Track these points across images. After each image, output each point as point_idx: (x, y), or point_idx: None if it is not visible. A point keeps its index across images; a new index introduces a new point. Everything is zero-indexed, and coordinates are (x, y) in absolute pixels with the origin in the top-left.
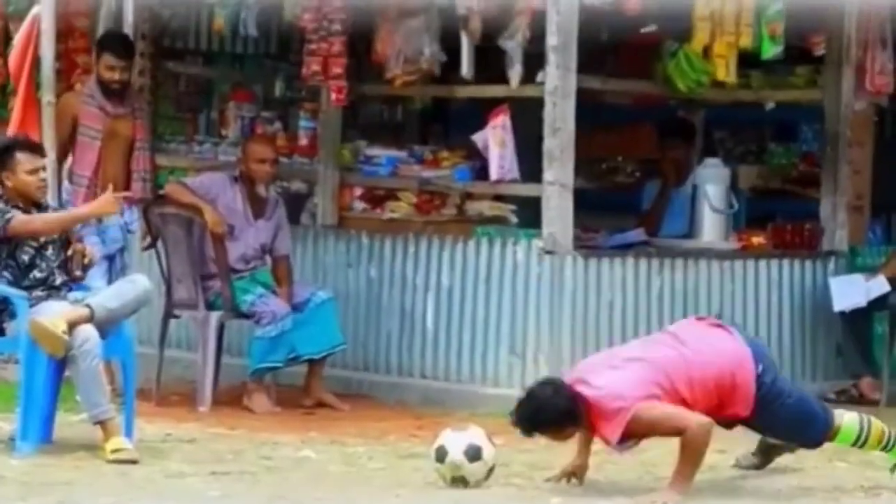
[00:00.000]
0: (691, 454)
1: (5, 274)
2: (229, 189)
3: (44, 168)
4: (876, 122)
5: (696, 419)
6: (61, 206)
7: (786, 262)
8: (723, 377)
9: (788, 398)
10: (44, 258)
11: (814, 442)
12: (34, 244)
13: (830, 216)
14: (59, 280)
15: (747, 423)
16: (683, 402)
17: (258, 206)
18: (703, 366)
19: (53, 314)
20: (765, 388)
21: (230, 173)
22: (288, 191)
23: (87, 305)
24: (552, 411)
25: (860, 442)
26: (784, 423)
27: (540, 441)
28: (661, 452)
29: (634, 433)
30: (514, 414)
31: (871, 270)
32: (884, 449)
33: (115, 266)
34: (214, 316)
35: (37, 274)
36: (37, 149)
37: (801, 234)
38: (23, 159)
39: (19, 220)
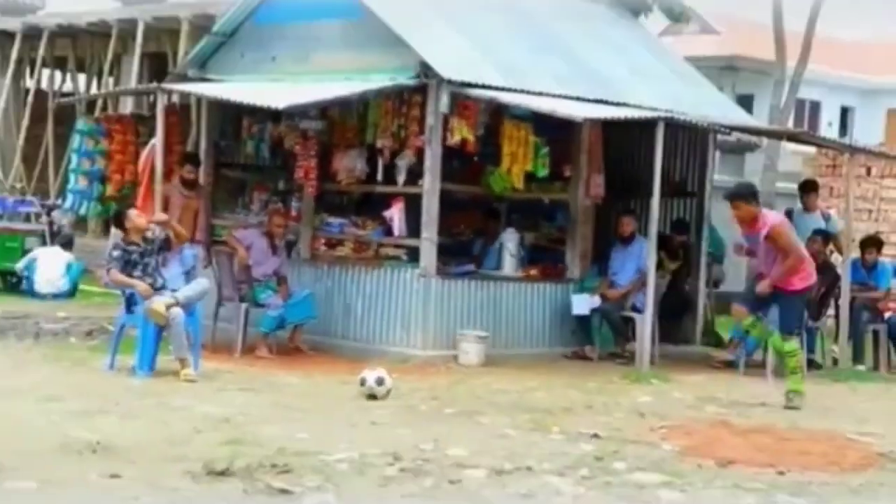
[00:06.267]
0: (788, 268)
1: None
2: (259, 238)
3: (141, 214)
4: (595, 212)
5: (803, 254)
6: (164, 238)
7: (548, 284)
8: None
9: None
10: (147, 272)
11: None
12: (140, 263)
13: (571, 261)
14: (158, 283)
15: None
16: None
17: (274, 249)
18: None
19: (158, 303)
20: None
21: (262, 229)
22: (286, 240)
23: (174, 297)
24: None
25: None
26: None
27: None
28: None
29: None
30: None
31: (591, 291)
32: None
33: (190, 276)
34: (243, 305)
35: (146, 279)
36: (132, 208)
37: (556, 270)
38: (130, 213)
39: (111, 272)
